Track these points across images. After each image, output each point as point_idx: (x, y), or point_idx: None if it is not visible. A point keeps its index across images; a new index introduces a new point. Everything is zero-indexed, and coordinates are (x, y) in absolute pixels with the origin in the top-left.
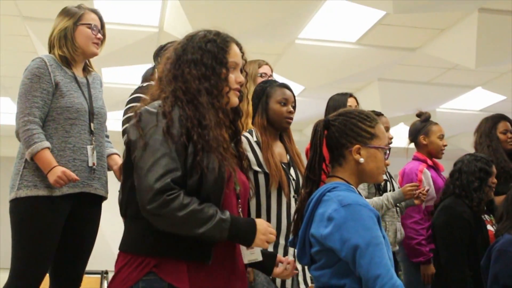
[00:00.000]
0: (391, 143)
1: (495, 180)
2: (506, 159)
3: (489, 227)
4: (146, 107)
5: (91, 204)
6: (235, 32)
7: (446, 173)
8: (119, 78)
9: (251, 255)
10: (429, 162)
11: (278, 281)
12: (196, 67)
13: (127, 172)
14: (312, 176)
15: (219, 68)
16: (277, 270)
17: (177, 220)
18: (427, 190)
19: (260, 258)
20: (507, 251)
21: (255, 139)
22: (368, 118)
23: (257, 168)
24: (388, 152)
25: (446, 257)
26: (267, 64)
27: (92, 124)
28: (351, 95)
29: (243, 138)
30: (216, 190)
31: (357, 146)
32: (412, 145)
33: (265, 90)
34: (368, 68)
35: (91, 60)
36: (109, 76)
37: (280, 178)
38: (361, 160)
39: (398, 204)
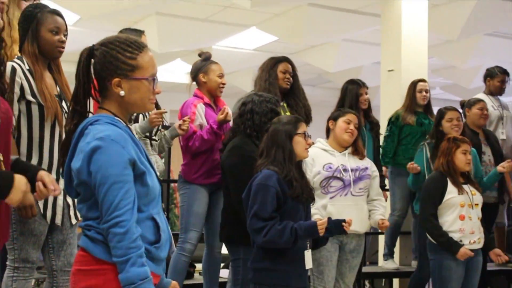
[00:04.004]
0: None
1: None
2: (278, 95)
3: None
4: None
5: None
6: None
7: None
8: None
9: None
10: (206, 100)
11: (49, 215)
12: None
13: None
14: (78, 107)
15: None
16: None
17: None
18: (189, 119)
19: None
20: (266, 185)
21: (27, 67)
22: (129, 49)
23: (30, 98)
24: (155, 81)
25: (237, 195)
26: None
27: None
28: (143, 33)
29: (15, 66)
30: None
31: (116, 79)
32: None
33: (36, 16)
34: (145, 0)
35: None
36: None
37: (56, 110)
38: (122, 93)
39: (164, 137)
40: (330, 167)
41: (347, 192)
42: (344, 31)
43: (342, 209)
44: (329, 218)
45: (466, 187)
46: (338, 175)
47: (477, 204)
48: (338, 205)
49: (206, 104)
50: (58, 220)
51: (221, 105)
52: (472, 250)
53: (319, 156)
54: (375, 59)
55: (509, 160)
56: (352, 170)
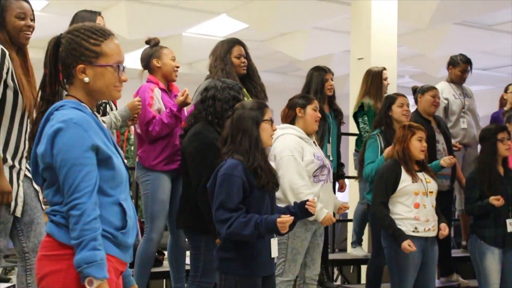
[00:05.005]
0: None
1: None
2: (239, 84)
3: None
4: None
5: None
6: None
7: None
8: None
9: None
10: (161, 85)
11: (12, 205)
12: None
13: None
14: (46, 95)
15: None
16: None
17: None
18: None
19: None
20: (231, 175)
21: (7, 52)
22: (94, 36)
23: (10, 83)
24: (120, 68)
25: (197, 181)
26: None
27: None
28: (100, 14)
29: (5, 50)
30: None
31: (80, 66)
32: None
33: (1, 4)
34: None
35: None
36: None
37: (31, 101)
38: (86, 79)
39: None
40: (318, 156)
41: (327, 179)
42: (314, 19)
43: (327, 195)
44: (294, 204)
45: (420, 174)
46: (326, 163)
47: (431, 192)
48: (325, 192)
49: (161, 89)
50: (18, 211)
51: (175, 91)
52: (427, 238)
53: (304, 144)
54: (345, 47)
55: (451, 156)
56: (325, 158)
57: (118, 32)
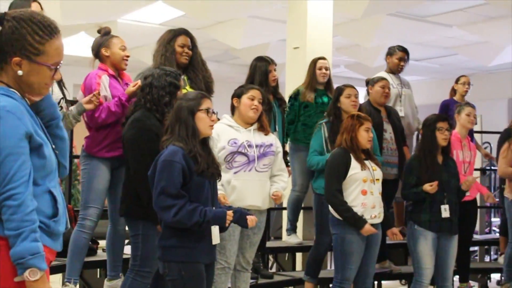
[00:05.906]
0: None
1: (183, 92)
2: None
3: None
4: None
5: None
6: None
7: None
8: None
9: None
10: (110, 71)
11: None
12: None
13: None
14: None
15: None
16: None
17: None
18: (98, 94)
19: None
20: (172, 161)
21: None
22: (40, 32)
23: None
24: (57, 68)
25: (135, 168)
26: None
27: None
28: (34, 0)
29: None
30: None
31: (17, 58)
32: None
33: None
34: None
35: None
36: None
37: None
38: (20, 73)
39: (71, 112)
40: (235, 143)
41: (251, 168)
42: (250, 7)
43: (246, 184)
44: (235, 210)
45: (367, 162)
46: (243, 151)
47: (378, 179)
48: (242, 180)
49: (110, 76)
50: None
51: (126, 79)
52: (372, 225)
53: (224, 131)
54: (281, 36)
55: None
56: (257, 146)
57: (51, 18)
